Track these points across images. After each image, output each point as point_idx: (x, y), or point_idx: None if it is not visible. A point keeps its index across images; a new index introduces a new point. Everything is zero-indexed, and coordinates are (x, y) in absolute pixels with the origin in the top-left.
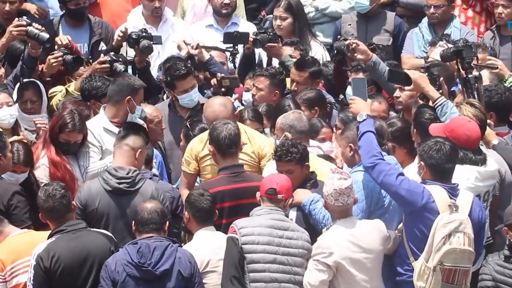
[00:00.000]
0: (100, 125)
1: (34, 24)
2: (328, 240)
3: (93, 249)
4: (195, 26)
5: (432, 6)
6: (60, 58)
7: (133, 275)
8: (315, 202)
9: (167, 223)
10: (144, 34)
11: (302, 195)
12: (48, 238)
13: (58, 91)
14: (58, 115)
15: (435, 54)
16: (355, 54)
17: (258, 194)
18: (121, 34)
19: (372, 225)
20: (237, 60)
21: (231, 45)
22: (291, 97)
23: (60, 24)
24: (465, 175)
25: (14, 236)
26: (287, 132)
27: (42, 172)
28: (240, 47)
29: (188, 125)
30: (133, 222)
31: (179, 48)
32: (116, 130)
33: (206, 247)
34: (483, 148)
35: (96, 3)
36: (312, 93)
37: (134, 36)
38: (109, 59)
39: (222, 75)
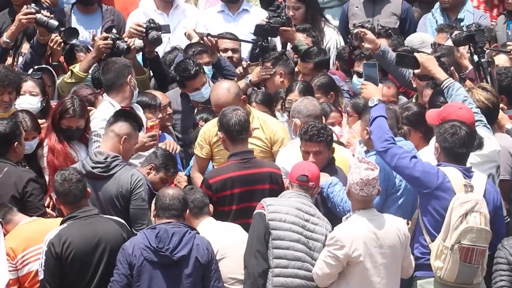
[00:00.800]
0: (108, 113)
1: (43, 11)
2: (343, 232)
3: (105, 236)
4: (207, 12)
5: None
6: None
7: (151, 260)
8: (333, 185)
9: (187, 211)
10: (152, 25)
11: (321, 178)
12: (60, 224)
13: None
14: (58, 102)
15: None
16: (363, 43)
17: (286, 180)
18: (138, 29)
19: (392, 221)
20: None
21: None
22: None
23: (72, 11)
24: None
25: (25, 224)
26: (296, 118)
27: (45, 161)
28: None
29: (198, 110)
30: (153, 207)
31: (189, 37)
32: None
33: (211, 237)
34: (482, 130)
35: None
36: (325, 78)
37: (145, 26)
38: (113, 36)
39: (248, 62)
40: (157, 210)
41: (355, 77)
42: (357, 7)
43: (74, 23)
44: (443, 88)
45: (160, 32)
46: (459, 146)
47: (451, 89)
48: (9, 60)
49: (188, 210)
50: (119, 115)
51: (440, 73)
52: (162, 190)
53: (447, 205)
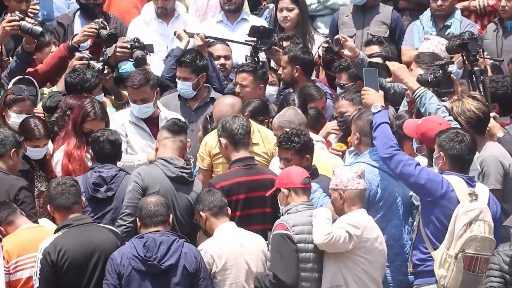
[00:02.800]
0: (125, 117)
1: (27, 18)
2: (361, 218)
3: (100, 244)
4: (206, 23)
5: None
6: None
7: (139, 269)
8: (313, 191)
9: (171, 216)
10: (136, 44)
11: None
12: (54, 233)
13: (44, 94)
14: (78, 106)
15: (422, 48)
16: (342, 50)
17: (284, 190)
18: (125, 50)
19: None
20: (261, 55)
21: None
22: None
23: (76, 17)
24: None
25: (23, 230)
26: (287, 129)
27: (58, 168)
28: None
29: (208, 118)
30: (138, 218)
31: (179, 37)
32: (141, 123)
33: (226, 243)
34: None
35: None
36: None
37: (128, 46)
38: (87, 57)
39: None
40: (143, 219)
41: (338, 89)
42: (347, 16)
43: (78, 28)
44: (416, 97)
45: (144, 52)
46: (467, 153)
47: (424, 98)
48: None
49: (204, 211)
50: (182, 125)
51: (412, 82)
52: (144, 199)
53: (450, 214)
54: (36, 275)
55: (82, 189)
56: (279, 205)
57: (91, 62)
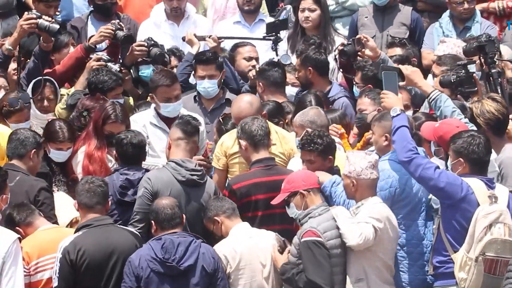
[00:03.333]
0: (147, 119)
1: (44, 16)
2: (381, 209)
3: (119, 245)
4: (223, 23)
5: (466, 2)
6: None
7: (157, 271)
8: (336, 184)
9: (184, 216)
10: (152, 42)
11: (323, 177)
12: (75, 232)
13: (62, 94)
14: (100, 108)
15: (438, 51)
16: (364, 50)
17: (304, 192)
18: (142, 48)
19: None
20: (279, 47)
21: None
22: (313, 92)
23: (90, 19)
24: None
25: (43, 231)
26: (309, 128)
27: (79, 169)
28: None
29: (221, 120)
30: (154, 222)
31: (190, 42)
32: (162, 124)
33: (240, 243)
34: None
35: (118, 2)
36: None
37: (146, 45)
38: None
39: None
40: (160, 223)
41: (354, 88)
42: (367, 17)
43: (91, 31)
44: (430, 100)
45: (161, 49)
46: (486, 154)
47: (439, 101)
48: (13, 65)
49: (218, 215)
50: (196, 126)
51: (426, 86)
52: (158, 203)
53: (470, 216)
54: (56, 274)
55: (109, 192)
56: (293, 210)
57: (109, 64)
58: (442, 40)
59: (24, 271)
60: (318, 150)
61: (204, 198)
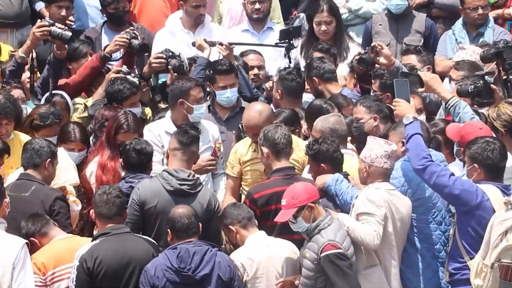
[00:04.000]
0: (162, 128)
1: (56, 24)
2: (375, 195)
3: (136, 254)
4: (232, 31)
5: (480, 7)
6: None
7: (173, 280)
8: (340, 182)
9: (200, 225)
10: (170, 53)
11: (323, 179)
12: (92, 241)
13: (80, 104)
14: (112, 118)
15: (457, 57)
16: (378, 58)
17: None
18: (161, 61)
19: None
20: (292, 54)
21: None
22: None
23: (103, 29)
24: None
25: (58, 241)
26: (328, 135)
27: (93, 179)
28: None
29: (241, 127)
30: (170, 230)
31: (200, 48)
32: None
33: (257, 252)
34: None
35: (133, 11)
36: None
37: (164, 57)
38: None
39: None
40: (176, 232)
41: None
42: (381, 24)
43: (105, 41)
44: (449, 106)
45: (181, 60)
46: (500, 160)
47: (458, 107)
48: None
49: (233, 224)
50: (194, 136)
51: (445, 92)
52: (174, 212)
53: (485, 223)
54: (72, 282)
55: None
56: (301, 224)
57: (128, 76)
58: (461, 47)
59: (41, 281)
60: (309, 155)
61: (196, 207)
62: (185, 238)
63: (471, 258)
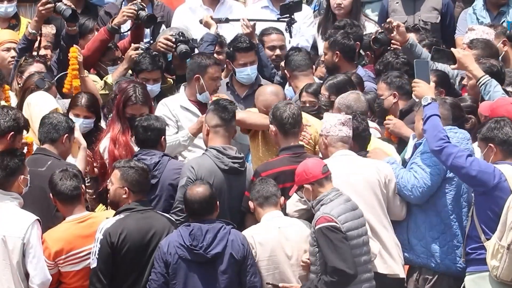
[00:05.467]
0: (177, 102)
1: (64, 0)
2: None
3: (158, 232)
4: (251, 8)
5: None
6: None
7: (185, 258)
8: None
9: (217, 202)
10: (181, 38)
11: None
12: (115, 215)
13: (96, 82)
14: (121, 91)
15: (467, 39)
16: (393, 34)
17: (308, 186)
18: (168, 43)
19: (373, 163)
20: (293, 29)
21: (287, 15)
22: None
23: (123, 5)
24: None
25: (71, 224)
26: (344, 112)
27: (106, 154)
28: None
29: None
30: (186, 209)
31: (206, 25)
32: (193, 108)
33: (268, 232)
34: None
35: None
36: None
37: (173, 40)
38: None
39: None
40: (191, 213)
41: None
42: (397, 2)
43: None
44: (480, 85)
45: (188, 47)
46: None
47: (488, 86)
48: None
49: (252, 200)
50: (233, 112)
51: (476, 70)
52: (192, 191)
53: (503, 204)
54: (95, 255)
55: None
56: (305, 201)
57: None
58: (471, 28)
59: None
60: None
61: (245, 187)
62: (200, 217)
63: (487, 239)
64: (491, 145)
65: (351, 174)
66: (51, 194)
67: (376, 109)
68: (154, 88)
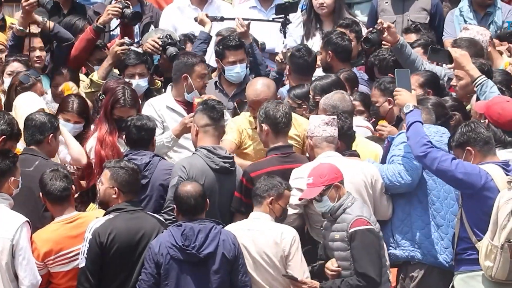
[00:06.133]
0: (163, 103)
1: None
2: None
3: (147, 232)
4: (239, 8)
5: None
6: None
7: (177, 258)
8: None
9: (207, 201)
10: (170, 40)
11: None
12: (105, 215)
13: (83, 81)
14: (110, 93)
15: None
16: (384, 35)
17: (339, 184)
18: (155, 45)
19: (358, 164)
20: (288, 30)
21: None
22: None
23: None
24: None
25: (60, 224)
26: (329, 113)
27: (92, 154)
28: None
29: (236, 106)
30: (176, 207)
31: (201, 22)
32: (179, 108)
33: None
34: None
35: None
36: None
37: (160, 43)
38: (127, 43)
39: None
40: (182, 211)
41: None
42: (387, 2)
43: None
44: (476, 85)
45: (178, 49)
46: (485, 132)
47: (485, 86)
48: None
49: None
50: (222, 112)
51: (473, 70)
52: (182, 190)
53: (492, 204)
54: (83, 254)
55: None
56: (326, 203)
57: (131, 47)
58: (465, 27)
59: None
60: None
61: (235, 187)
62: (191, 217)
63: (478, 240)
64: (469, 148)
65: None
66: (41, 194)
67: (372, 116)
68: (140, 83)
